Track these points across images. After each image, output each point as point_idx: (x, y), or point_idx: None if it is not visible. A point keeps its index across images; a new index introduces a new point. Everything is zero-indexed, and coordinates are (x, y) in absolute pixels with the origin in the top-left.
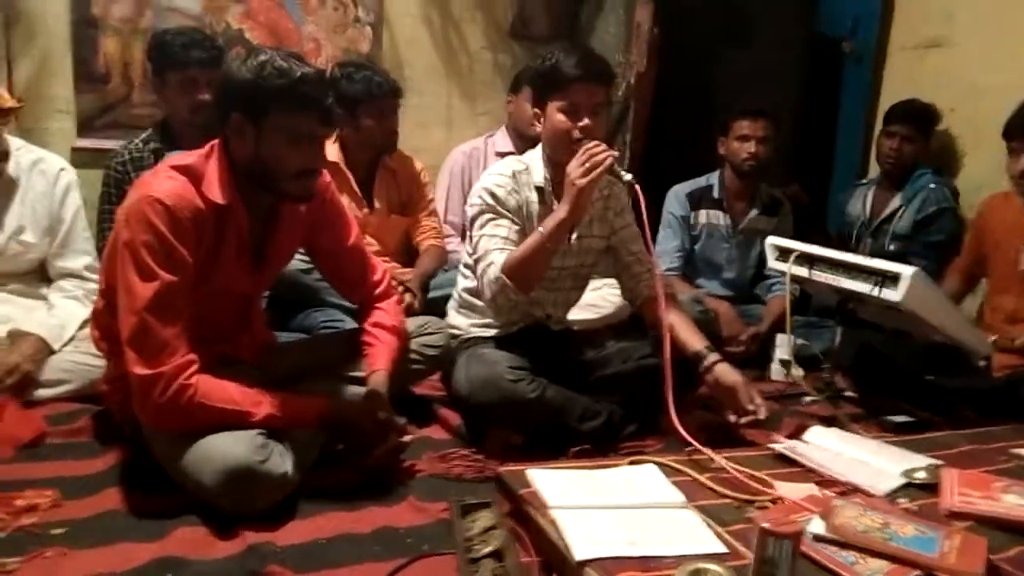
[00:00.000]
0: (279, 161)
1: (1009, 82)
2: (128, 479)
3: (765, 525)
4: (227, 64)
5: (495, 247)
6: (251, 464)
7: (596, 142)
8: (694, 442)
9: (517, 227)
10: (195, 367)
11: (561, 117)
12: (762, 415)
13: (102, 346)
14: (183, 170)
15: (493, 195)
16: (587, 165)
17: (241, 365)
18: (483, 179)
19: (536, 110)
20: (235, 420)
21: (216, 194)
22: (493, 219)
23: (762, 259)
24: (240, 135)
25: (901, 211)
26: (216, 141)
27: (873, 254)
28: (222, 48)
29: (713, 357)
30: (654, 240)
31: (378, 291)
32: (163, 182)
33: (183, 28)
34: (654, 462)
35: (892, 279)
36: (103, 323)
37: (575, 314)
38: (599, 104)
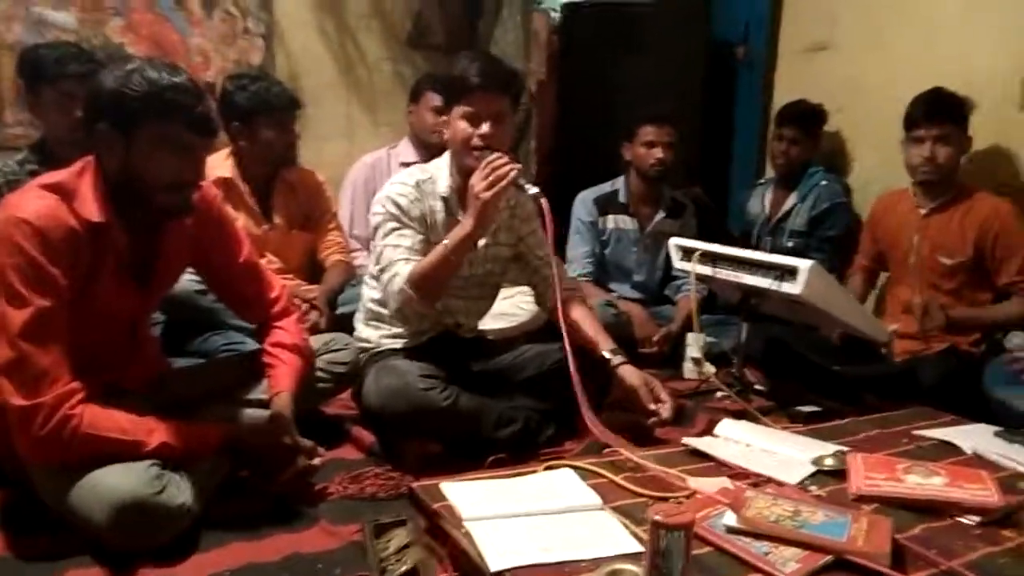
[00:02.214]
0: (149, 173)
1: (889, 81)
2: (12, 521)
3: (657, 517)
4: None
5: (399, 257)
6: (144, 497)
7: (499, 155)
8: (611, 440)
9: (421, 237)
10: (79, 396)
11: (463, 124)
12: (665, 414)
13: None
14: (53, 188)
15: (396, 204)
16: (491, 178)
17: (131, 395)
18: (386, 188)
19: (444, 117)
20: (126, 451)
21: (90, 212)
22: (397, 228)
23: (670, 261)
24: (108, 147)
25: (796, 209)
26: (89, 157)
27: (773, 251)
28: (100, 62)
29: (617, 359)
30: (562, 249)
31: (276, 309)
32: (31, 201)
33: (57, 42)
34: (569, 466)
35: (790, 273)
36: None
37: (489, 323)
38: (500, 112)
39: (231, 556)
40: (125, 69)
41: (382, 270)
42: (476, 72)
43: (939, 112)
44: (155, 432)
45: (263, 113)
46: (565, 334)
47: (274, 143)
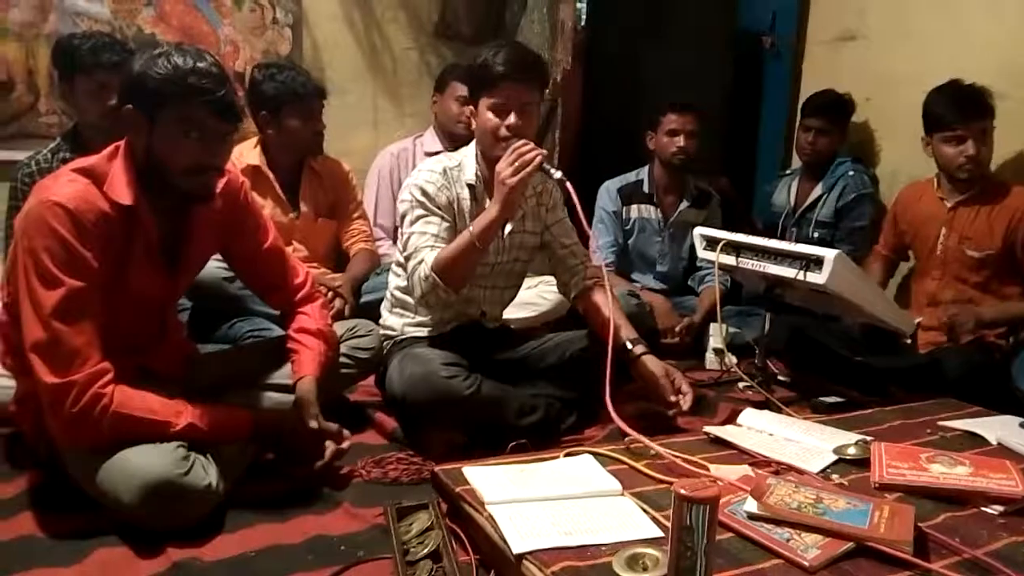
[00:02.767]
0: (171, 155)
1: (918, 71)
2: (44, 502)
3: (682, 491)
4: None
5: (425, 244)
6: (172, 477)
7: (524, 141)
8: (630, 431)
9: (447, 224)
10: (110, 375)
11: (490, 115)
12: (685, 406)
13: (8, 363)
14: (84, 172)
15: (424, 192)
16: (516, 164)
17: (160, 378)
18: (413, 175)
19: (471, 107)
20: (154, 431)
21: (121, 195)
22: (424, 216)
23: (694, 252)
24: (134, 130)
25: (823, 199)
26: (121, 142)
27: (799, 242)
28: (133, 51)
29: (639, 349)
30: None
31: (300, 295)
32: (63, 185)
33: (91, 32)
34: (590, 452)
35: (816, 262)
36: (9, 339)
37: (512, 313)
38: (528, 103)
39: (256, 537)
40: (152, 53)
41: (408, 257)
42: (502, 62)
43: (977, 108)
44: (183, 414)
45: (290, 102)
46: (611, 329)
47: (300, 132)
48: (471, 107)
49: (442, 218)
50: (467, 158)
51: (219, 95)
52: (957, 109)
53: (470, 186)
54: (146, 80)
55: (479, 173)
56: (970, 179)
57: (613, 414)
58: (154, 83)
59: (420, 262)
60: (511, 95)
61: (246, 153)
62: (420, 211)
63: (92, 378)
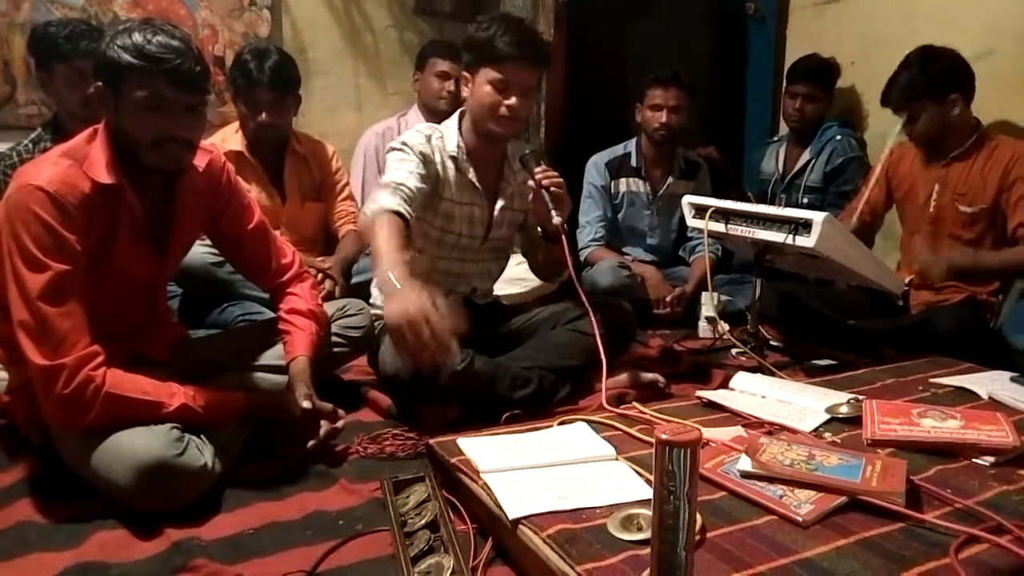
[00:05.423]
0: (134, 129)
1: (904, 32)
2: (41, 489)
3: (663, 436)
4: None
5: (396, 180)
6: (167, 458)
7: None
8: (614, 410)
9: (422, 172)
10: (100, 358)
11: (490, 90)
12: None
13: None
14: (64, 154)
15: (404, 142)
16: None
17: (152, 363)
18: (400, 136)
19: (465, 73)
20: (147, 413)
21: (101, 174)
22: (402, 158)
23: (683, 223)
24: (105, 107)
25: (811, 165)
26: (101, 123)
27: (788, 207)
28: None
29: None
30: (572, 220)
31: (289, 275)
32: (44, 169)
33: (67, 19)
34: (583, 420)
35: (804, 226)
36: None
37: (502, 288)
38: (531, 87)
39: (254, 515)
40: (118, 30)
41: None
42: (513, 42)
43: (901, 102)
44: (176, 395)
45: (238, 88)
46: (587, 303)
47: (246, 120)
48: (466, 74)
49: (419, 162)
50: (449, 130)
51: (175, 64)
52: (888, 99)
53: (452, 158)
54: (109, 55)
55: (461, 144)
56: (934, 148)
57: (604, 400)
58: (116, 58)
59: (381, 196)
60: (516, 76)
61: (229, 138)
62: (398, 154)
63: (82, 361)
